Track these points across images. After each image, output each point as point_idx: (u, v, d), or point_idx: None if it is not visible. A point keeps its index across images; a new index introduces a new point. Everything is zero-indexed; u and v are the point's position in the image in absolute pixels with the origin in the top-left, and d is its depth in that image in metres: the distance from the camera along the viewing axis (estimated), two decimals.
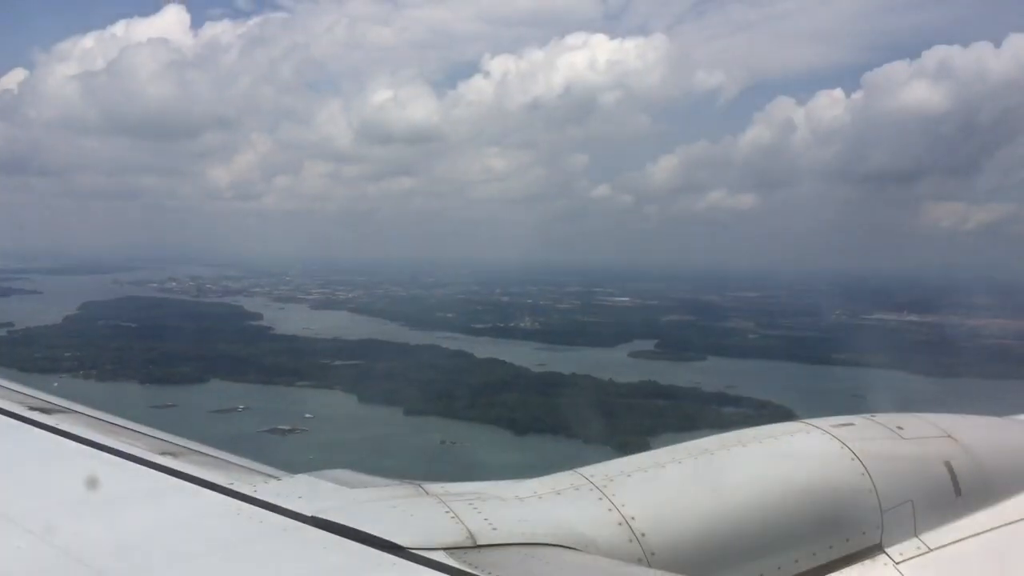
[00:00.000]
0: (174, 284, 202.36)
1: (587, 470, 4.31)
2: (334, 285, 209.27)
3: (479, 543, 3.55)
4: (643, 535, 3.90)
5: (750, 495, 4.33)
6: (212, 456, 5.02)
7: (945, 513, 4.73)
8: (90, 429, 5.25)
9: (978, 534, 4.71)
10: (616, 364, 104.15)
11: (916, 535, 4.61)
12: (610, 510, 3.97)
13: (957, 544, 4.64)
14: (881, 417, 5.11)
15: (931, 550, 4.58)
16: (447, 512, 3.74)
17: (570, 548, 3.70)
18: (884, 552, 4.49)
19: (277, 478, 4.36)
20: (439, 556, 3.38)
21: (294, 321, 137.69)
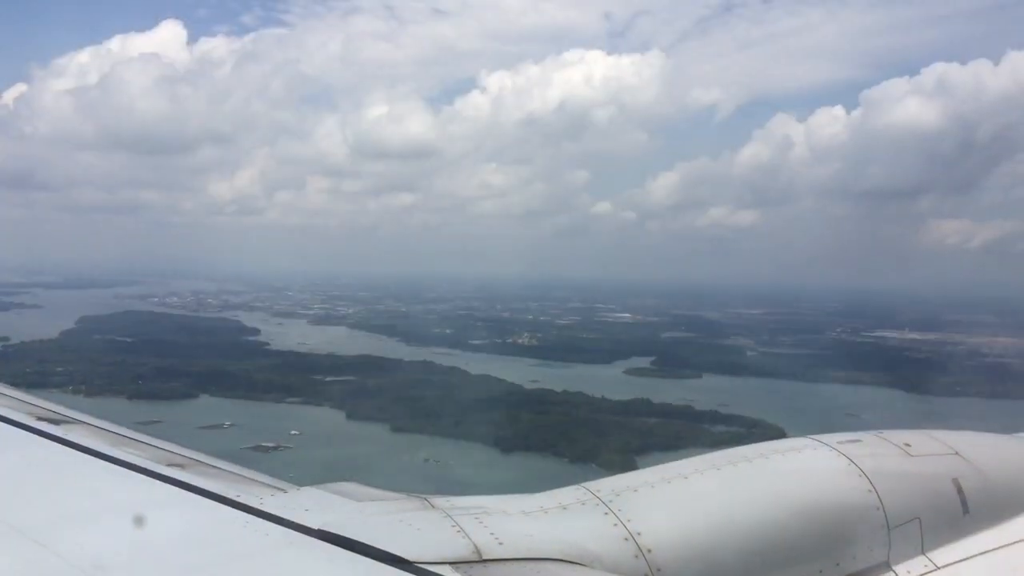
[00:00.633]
0: (175, 299, 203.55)
1: (593, 485, 4.29)
2: (335, 300, 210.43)
3: (485, 558, 3.55)
4: (649, 551, 3.89)
5: (757, 511, 4.28)
6: (219, 468, 5.05)
7: (953, 531, 4.66)
8: (97, 440, 5.28)
9: (986, 552, 4.64)
10: (611, 381, 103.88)
11: (924, 553, 4.55)
12: (616, 525, 3.96)
13: (965, 562, 4.57)
14: (888, 434, 5.07)
15: (939, 568, 4.52)
16: (453, 526, 3.74)
17: (576, 563, 3.69)
18: (891, 570, 4.44)
19: (284, 490, 4.35)
20: (445, 570, 3.40)
21: (291, 336, 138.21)
